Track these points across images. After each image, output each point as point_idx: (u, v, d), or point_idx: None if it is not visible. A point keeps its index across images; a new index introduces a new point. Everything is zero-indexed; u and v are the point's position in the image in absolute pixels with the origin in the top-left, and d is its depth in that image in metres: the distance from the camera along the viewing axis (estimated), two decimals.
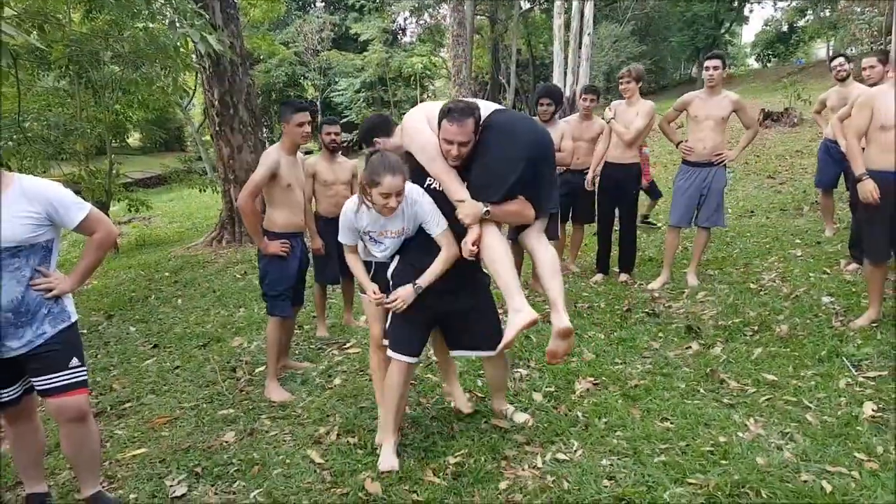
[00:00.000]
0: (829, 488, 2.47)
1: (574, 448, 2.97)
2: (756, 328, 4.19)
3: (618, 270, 5.71)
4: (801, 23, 35.63)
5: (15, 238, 2.62)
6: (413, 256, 2.96)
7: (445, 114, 2.74)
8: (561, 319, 2.80)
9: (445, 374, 3.50)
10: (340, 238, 3.04)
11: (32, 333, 2.69)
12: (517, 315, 2.77)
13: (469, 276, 2.99)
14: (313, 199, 4.91)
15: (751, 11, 38.38)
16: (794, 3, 34.84)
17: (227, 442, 3.39)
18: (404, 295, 2.86)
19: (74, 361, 2.77)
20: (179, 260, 8.65)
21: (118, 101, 11.62)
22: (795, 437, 2.89)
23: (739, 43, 42.65)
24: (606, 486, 2.64)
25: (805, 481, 2.54)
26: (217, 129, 8.71)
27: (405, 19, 35.83)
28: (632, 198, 5.58)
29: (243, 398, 3.97)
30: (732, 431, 2.98)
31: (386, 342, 3.07)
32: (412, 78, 29.94)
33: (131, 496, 2.96)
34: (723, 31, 37.22)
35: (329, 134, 4.90)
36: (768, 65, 38.02)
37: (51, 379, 2.70)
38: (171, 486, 3.00)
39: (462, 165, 2.84)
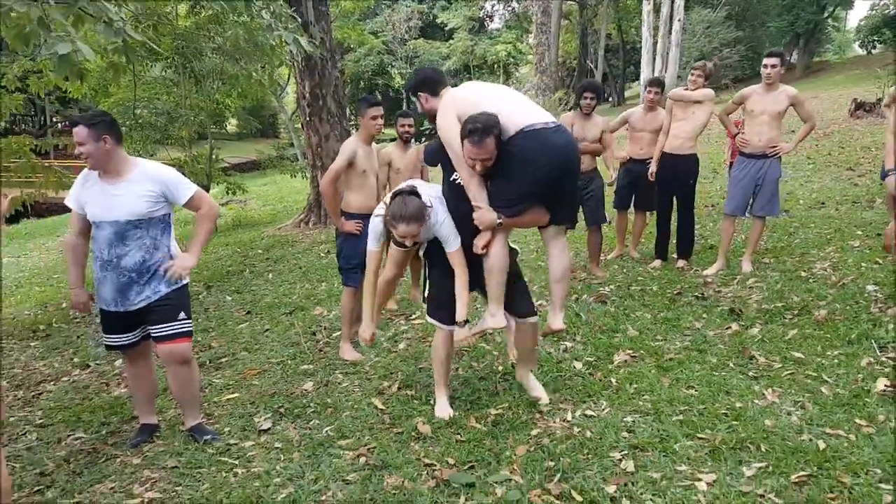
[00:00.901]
0: (822, 446, 2.77)
1: (602, 407, 3.37)
2: (796, 312, 4.41)
3: (676, 257, 5.96)
4: None
5: (139, 213, 3.24)
6: (441, 257, 3.27)
7: (467, 134, 2.89)
8: (554, 319, 3.28)
9: (519, 365, 3.63)
10: (370, 244, 3.35)
11: (150, 291, 3.31)
12: (490, 318, 3.19)
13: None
14: (387, 185, 5.41)
15: None
16: None
17: (306, 390, 3.97)
18: (463, 336, 3.27)
19: (182, 315, 3.38)
20: (271, 239, 9.42)
21: (218, 91, 12.59)
22: (806, 405, 3.18)
23: (843, 28, 40.61)
24: (625, 437, 3.03)
25: (803, 440, 2.85)
26: (307, 118, 9.39)
27: (493, 6, 36.13)
28: (689, 187, 5.82)
29: (321, 357, 4.55)
30: (749, 399, 3.29)
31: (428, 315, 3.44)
32: (496, 65, 30.23)
33: (226, 429, 3.56)
34: (825, 15, 35.51)
35: (403, 126, 5.39)
36: (873, 51, 36.04)
37: (163, 328, 3.32)
38: (258, 422, 3.59)
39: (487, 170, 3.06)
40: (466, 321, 3.21)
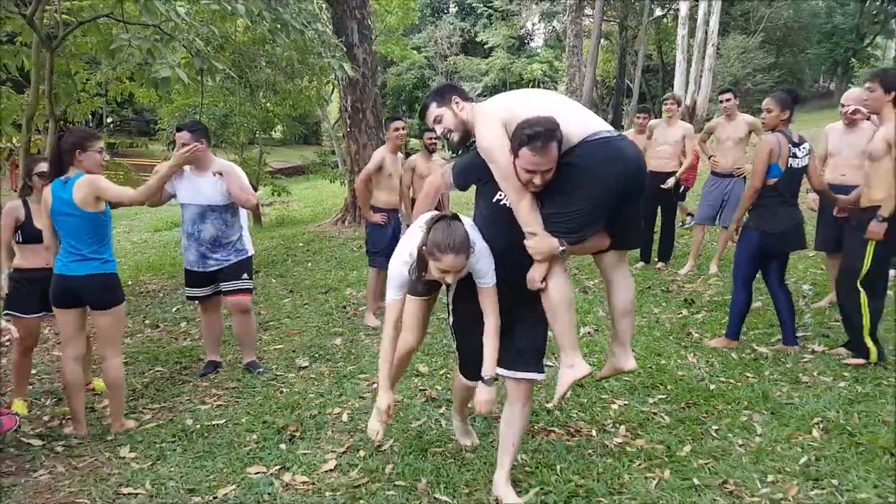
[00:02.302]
0: (713, 387, 3.77)
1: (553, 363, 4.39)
2: None
3: (657, 260, 6.92)
4: None
5: (214, 200, 4.35)
6: (469, 305, 2.75)
7: (525, 141, 2.38)
8: (629, 359, 2.88)
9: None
10: (390, 293, 2.73)
11: (222, 257, 4.44)
12: (570, 370, 2.65)
13: (522, 293, 2.67)
14: (411, 188, 6.47)
15: None
16: None
17: (335, 344, 5.07)
18: (487, 399, 2.71)
19: (245, 276, 4.50)
20: (311, 235, 10.60)
21: (269, 101, 13.87)
22: (715, 364, 4.16)
23: (884, 56, 40.78)
24: None
25: (701, 384, 3.84)
26: (348, 129, 10.56)
27: (533, 25, 37.29)
28: (670, 201, 6.78)
29: (349, 323, 5.64)
30: (674, 359, 4.28)
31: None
32: (532, 83, 31.32)
33: (273, 366, 4.66)
34: (865, 44, 35.84)
35: (430, 138, 6.48)
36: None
37: (230, 284, 4.45)
38: (298, 362, 4.70)
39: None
40: (495, 379, 2.70)
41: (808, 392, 3.69)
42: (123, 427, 3.67)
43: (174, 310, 6.61)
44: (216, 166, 4.41)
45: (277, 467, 3.17)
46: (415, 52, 30.54)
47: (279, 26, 5.71)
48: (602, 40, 40.95)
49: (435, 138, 6.53)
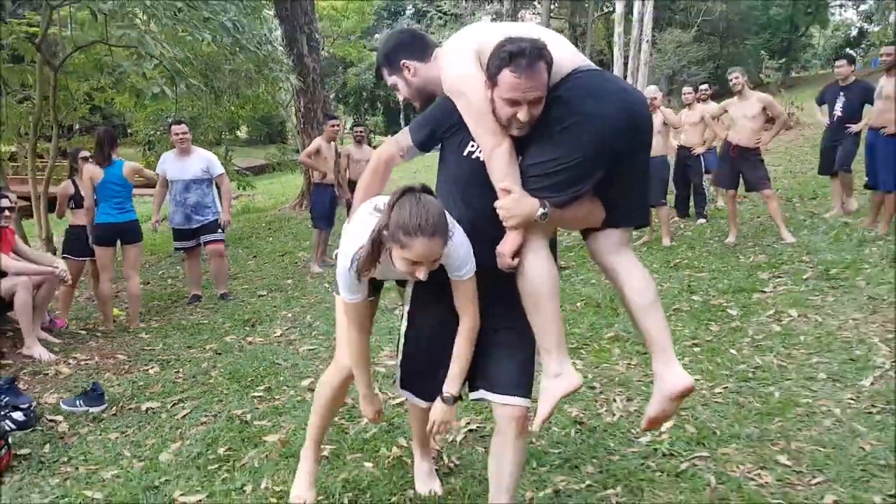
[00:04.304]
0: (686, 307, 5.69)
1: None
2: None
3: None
4: (873, 28, 36.53)
5: (196, 175, 6.27)
6: (430, 304, 2.24)
7: (507, 60, 1.84)
8: (676, 374, 1.99)
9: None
10: (345, 296, 2.12)
11: (202, 217, 6.35)
12: (556, 380, 1.99)
13: (506, 283, 2.03)
14: (347, 171, 8.38)
15: (832, 15, 39.37)
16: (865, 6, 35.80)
17: (287, 283, 7.04)
18: (443, 417, 2.17)
19: (219, 230, 6.42)
20: (272, 217, 12.52)
21: (233, 104, 15.68)
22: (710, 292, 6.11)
23: (819, 45, 43.54)
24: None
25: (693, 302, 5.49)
26: (302, 126, 12.49)
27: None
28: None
29: (298, 272, 7.59)
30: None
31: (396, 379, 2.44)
32: None
33: (241, 297, 6.56)
34: (799, 34, 38.32)
35: (358, 132, 8.47)
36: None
37: (208, 236, 6.37)
38: (258, 293, 6.63)
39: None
40: (458, 398, 2.17)
41: None
42: (138, 325, 5.60)
43: (159, 273, 8.50)
44: (196, 153, 6.34)
45: (244, 335, 5.13)
46: (372, 53, 32.39)
47: (238, 49, 7.60)
48: None
49: (361, 131, 8.54)
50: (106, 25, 8.07)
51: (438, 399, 2.17)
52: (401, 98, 2.32)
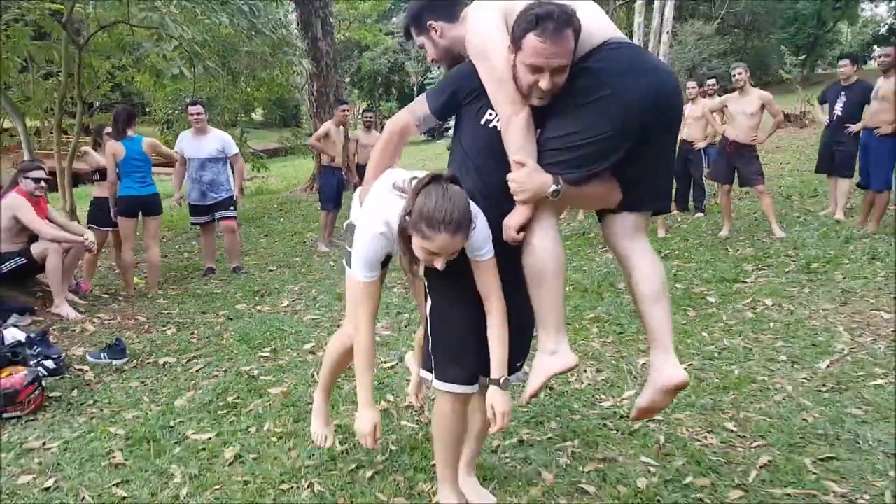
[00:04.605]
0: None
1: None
2: (719, 243, 7.74)
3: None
4: None
5: (211, 153, 6.67)
6: (445, 283, 2.11)
7: (534, 23, 1.78)
8: (672, 367, 2.00)
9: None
10: (360, 272, 2.08)
11: (216, 194, 6.76)
12: (551, 358, 1.99)
13: (513, 260, 2.03)
14: (356, 155, 8.76)
15: (861, 11, 39.13)
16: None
17: (296, 260, 7.45)
18: (506, 405, 2.06)
19: (232, 207, 6.82)
20: (283, 199, 12.95)
21: (249, 86, 16.11)
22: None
23: (846, 42, 43.33)
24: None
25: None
26: (315, 110, 12.88)
27: None
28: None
29: (306, 251, 8.00)
30: None
31: (426, 375, 2.26)
32: None
33: (252, 271, 6.97)
34: (826, 30, 38.03)
35: (367, 117, 8.86)
36: (864, 67, 38.73)
37: (222, 212, 6.77)
38: (269, 268, 7.04)
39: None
40: (507, 380, 2.07)
41: None
42: (156, 292, 6.03)
43: (176, 247, 8.95)
44: (212, 133, 6.75)
45: (254, 304, 5.55)
46: (388, 37, 32.71)
47: (254, 33, 8.00)
48: None
49: (371, 116, 8.92)
50: (128, 6, 8.50)
51: (493, 387, 2.06)
52: (429, 59, 2.26)
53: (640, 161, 1.94)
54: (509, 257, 2.03)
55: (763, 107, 6.94)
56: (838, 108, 7.26)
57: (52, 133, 11.38)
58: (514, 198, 1.93)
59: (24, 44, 9.82)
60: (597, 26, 1.91)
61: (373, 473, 2.81)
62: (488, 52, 1.93)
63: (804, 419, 3.14)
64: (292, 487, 2.76)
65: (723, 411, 3.27)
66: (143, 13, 7.74)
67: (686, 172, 8.41)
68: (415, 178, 1.99)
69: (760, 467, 2.75)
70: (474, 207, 1.93)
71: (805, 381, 3.57)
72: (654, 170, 2.03)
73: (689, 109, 8.33)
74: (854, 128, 7.06)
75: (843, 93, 7.26)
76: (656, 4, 28.09)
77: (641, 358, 3.92)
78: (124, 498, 2.74)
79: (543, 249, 1.95)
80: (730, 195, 7.17)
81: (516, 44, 1.84)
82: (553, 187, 1.87)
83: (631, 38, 30.55)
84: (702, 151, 8.26)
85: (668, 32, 27.90)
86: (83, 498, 2.75)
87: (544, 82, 1.82)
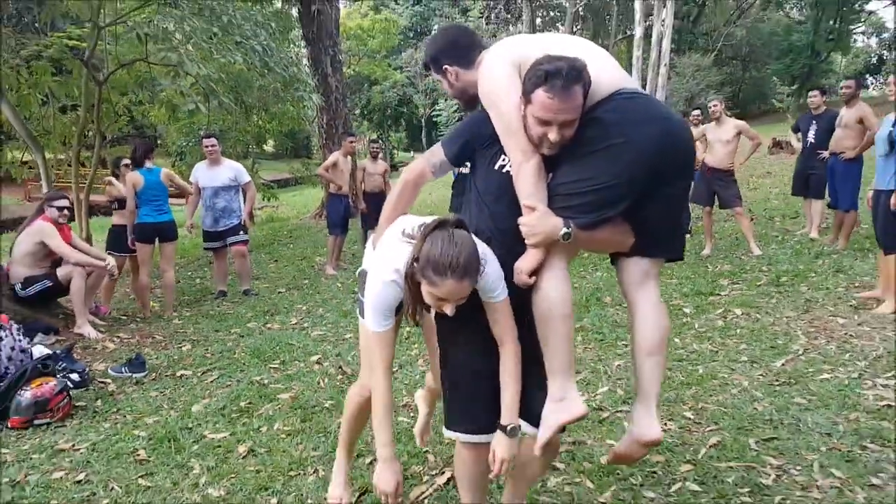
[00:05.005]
0: None
1: None
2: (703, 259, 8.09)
3: None
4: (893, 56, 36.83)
5: (224, 182, 7.10)
6: (455, 329, 2.11)
7: (543, 79, 1.83)
8: (651, 423, 2.01)
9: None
10: (375, 325, 2.05)
11: (228, 220, 7.17)
12: (560, 405, 1.96)
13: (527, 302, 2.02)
14: (363, 183, 9.17)
15: (854, 42, 39.77)
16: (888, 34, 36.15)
17: (304, 283, 7.83)
18: (509, 451, 2.02)
19: (242, 232, 7.24)
20: (293, 226, 13.41)
21: (261, 119, 16.64)
22: None
23: (840, 71, 43.94)
24: None
25: None
26: (324, 141, 13.39)
27: None
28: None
29: (316, 275, 8.38)
30: None
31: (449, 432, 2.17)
32: None
33: (262, 293, 7.35)
34: (820, 60, 38.57)
35: (374, 147, 9.30)
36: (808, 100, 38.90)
37: (234, 237, 7.18)
38: (278, 290, 7.42)
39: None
40: (515, 427, 2.03)
41: None
42: (171, 313, 6.42)
43: (188, 274, 9.36)
44: (225, 163, 7.17)
45: (264, 323, 5.92)
46: (396, 71, 33.44)
47: (267, 71, 8.47)
48: None
49: (376, 147, 9.36)
50: (146, 44, 8.98)
51: (499, 433, 2.03)
52: (447, 89, 2.31)
53: (652, 207, 1.98)
54: (525, 301, 2.01)
55: (739, 133, 7.34)
56: (811, 136, 7.66)
57: (69, 166, 11.88)
58: (526, 241, 1.95)
59: (45, 80, 10.37)
60: (607, 76, 1.96)
61: (371, 460, 3.14)
62: (499, 101, 2.00)
63: (755, 408, 3.50)
64: (299, 474, 3.11)
65: (684, 403, 3.62)
66: (161, 52, 8.23)
67: None
68: (423, 224, 1.98)
69: (710, 446, 3.10)
70: (483, 249, 1.94)
71: (760, 377, 3.92)
72: (667, 216, 2.05)
73: None
74: (825, 154, 7.43)
75: (814, 121, 7.66)
76: (654, 38, 28.74)
77: (617, 360, 4.30)
78: (149, 487, 3.08)
79: (553, 291, 1.95)
80: (710, 216, 7.54)
81: (526, 97, 1.89)
82: (564, 230, 1.89)
83: (630, 70, 31.07)
84: None
85: (665, 65, 28.52)
86: (112, 488, 3.09)
87: (553, 135, 1.87)
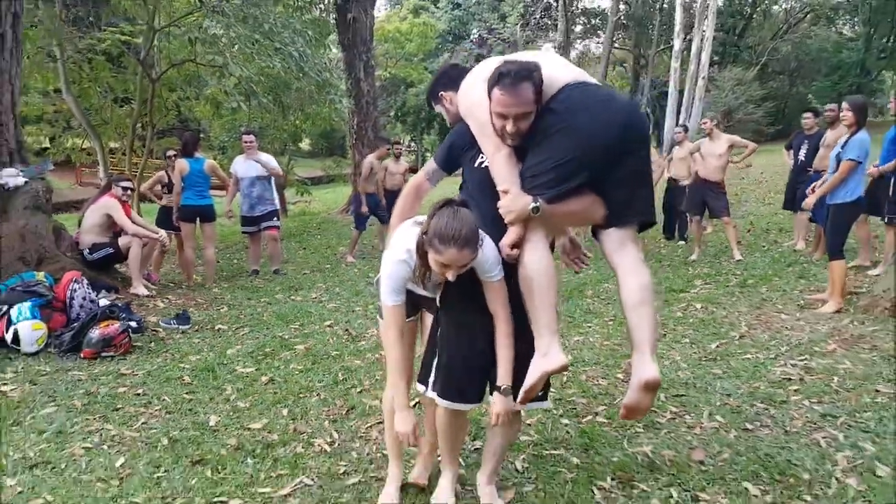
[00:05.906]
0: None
1: None
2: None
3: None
4: None
5: (260, 172, 8.20)
6: (453, 307, 2.49)
7: (496, 79, 2.22)
8: (645, 366, 2.28)
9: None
10: (387, 297, 2.39)
11: (263, 207, 8.28)
12: (544, 359, 2.28)
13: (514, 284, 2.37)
14: (384, 181, 10.19)
15: None
16: None
17: (326, 267, 8.90)
18: (506, 407, 2.38)
19: (276, 219, 8.34)
20: (322, 219, 14.55)
21: (297, 119, 17.84)
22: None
23: (890, 90, 43.63)
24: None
25: None
26: (354, 142, 14.49)
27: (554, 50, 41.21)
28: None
29: (338, 262, 9.44)
30: None
31: (430, 392, 2.57)
32: None
33: (290, 274, 8.41)
34: (871, 79, 38.33)
35: (397, 148, 10.36)
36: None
37: (268, 222, 8.28)
38: (304, 272, 8.50)
39: (521, 144, 2.32)
40: (507, 387, 2.37)
41: None
42: (212, 284, 7.54)
43: (226, 256, 10.51)
44: (260, 155, 8.30)
45: (289, 295, 7.01)
46: (432, 75, 34.51)
47: (302, 75, 9.61)
48: (618, 66, 44.80)
49: (400, 148, 10.43)
50: (194, 46, 10.18)
51: (496, 393, 2.39)
52: (447, 117, 2.73)
53: (615, 181, 2.30)
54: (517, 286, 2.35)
55: (731, 146, 8.25)
56: (802, 154, 8.47)
57: (123, 154, 13.21)
58: (505, 220, 2.30)
59: (104, 75, 11.68)
60: (559, 74, 2.32)
61: (361, 390, 4.18)
62: (472, 109, 2.42)
63: (677, 375, 4.38)
64: (306, 396, 4.15)
65: (619, 368, 4.54)
66: (209, 55, 9.43)
67: (672, 206, 9.64)
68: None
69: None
70: (482, 233, 2.27)
71: (693, 354, 4.80)
72: (630, 187, 2.34)
73: (676, 151, 9.64)
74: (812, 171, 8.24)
75: (805, 141, 8.48)
76: (693, 50, 29.33)
77: (576, 336, 5.23)
78: (191, 399, 4.14)
79: (533, 261, 2.27)
80: (700, 224, 8.41)
81: (488, 96, 2.28)
82: (532, 204, 2.22)
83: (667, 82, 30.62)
84: (685, 188, 9.50)
85: (703, 77, 29.10)
86: (164, 398, 4.15)
87: (509, 126, 2.24)
